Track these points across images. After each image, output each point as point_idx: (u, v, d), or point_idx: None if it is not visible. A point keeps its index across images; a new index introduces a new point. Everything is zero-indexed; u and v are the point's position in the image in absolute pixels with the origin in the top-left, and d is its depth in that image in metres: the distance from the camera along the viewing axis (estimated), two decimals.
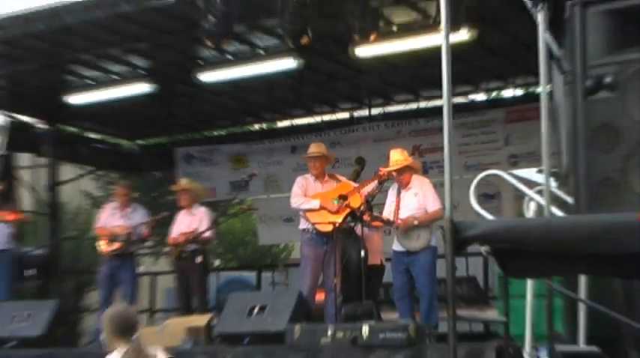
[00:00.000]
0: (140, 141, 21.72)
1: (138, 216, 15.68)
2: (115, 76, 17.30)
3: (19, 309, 14.47)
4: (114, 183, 19.38)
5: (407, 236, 12.50)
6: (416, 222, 12.38)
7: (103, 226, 15.67)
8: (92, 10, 13.90)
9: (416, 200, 12.54)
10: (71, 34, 14.96)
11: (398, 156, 12.78)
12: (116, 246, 15.41)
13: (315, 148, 13.67)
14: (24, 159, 19.96)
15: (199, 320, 13.42)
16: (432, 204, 12.32)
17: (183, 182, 15.80)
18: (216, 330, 12.69)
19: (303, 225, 13.51)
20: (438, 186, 12.55)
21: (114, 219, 15.65)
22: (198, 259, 14.81)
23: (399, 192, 12.75)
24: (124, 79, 17.24)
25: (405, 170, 12.69)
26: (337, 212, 13.04)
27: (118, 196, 16.10)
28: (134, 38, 15.45)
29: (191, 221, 15.00)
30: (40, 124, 19.61)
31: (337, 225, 13.01)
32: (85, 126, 20.75)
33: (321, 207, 13.12)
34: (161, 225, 17.03)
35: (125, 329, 7.29)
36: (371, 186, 13.23)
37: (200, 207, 15.29)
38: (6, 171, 18.54)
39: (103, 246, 15.61)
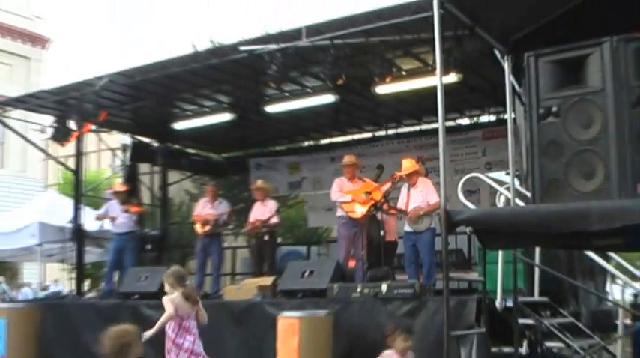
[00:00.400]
0: (224, 154, 21.76)
1: (222, 207, 15.88)
2: (206, 109, 17.35)
3: (141, 273, 14.63)
4: (205, 184, 19.37)
5: (414, 221, 12.61)
6: (421, 212, 12.53)
7: (198, 214, 15.87)
8: (190, 63, 13.98)
9: (421, 195, 12.65)
10: (176, 80, 15.01)
11: (408, 164, 12.97)
12: (207, 228, 15.59)
13: (347, 159, 13.89)
14: (144, 167, 20.04)
15: (267, 280, 13.45)
16: (432, 198, 12.38)
17: (259, 182, 15.87)
18: (278, 288, 12.75)
19: (339, 213, 13.70)
20: (436, 185, 12.60)
21: (205, 209, 15.85)
22: (268, 237, 14.95)
23: (408, 190, 12.90)
24: (213, 111, 17.27)
25: (413, 174, 12.87)
26: (364, 203, 13.16)
27: (208, 193, 16.28)
28: (219, 81, 15.49)
29: (264, 211, 15.13)
30: (155, 143, 19.72)
31: (364, 213, 13.15)
32: (186, 143, 20.80)
33: (352, 200, 13.27)
34: (239, 214, 17.11)
35: (181, 279, 9.05)
36: (387, 185, 13.37)
37: (270, 201, 15.43)
38: (131, 176, 18.71)
39: (198, 228, 15.77)
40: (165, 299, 8.95)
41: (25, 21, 36.34)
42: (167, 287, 9.18)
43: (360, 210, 13.24)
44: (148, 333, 7.99)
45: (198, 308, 8.99)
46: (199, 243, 15.92)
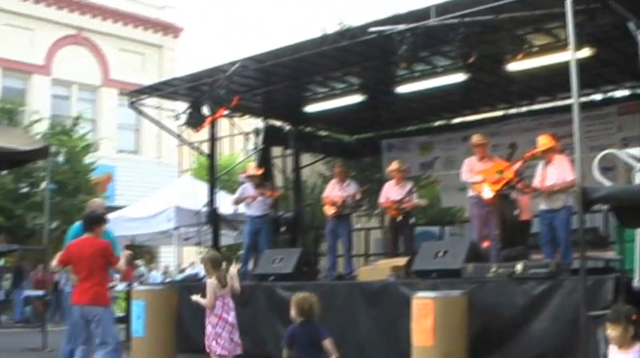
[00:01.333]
0: (355, 136, 21.88)
1: (351, 189, 15.97)
2: (337, 91, 17.48)
3: (276, 255, 14.95)
4: (341, 165, 19.56)
5: (550, 199, 12.43)
6: (557, 189, 12.29)
7: (327, 196, 16.05)
8: (320, 45, 14.14)
9: (557, 173, 12.43)
10: (306, 63, 15.20)
11: (544, 140, 12.81)
12: (335, 209, 15.74)
13: (476, 138, 13.86)
14: (276, 150, 20.36)
15: (400, 261, 13.56)
16: (569, 176, 12.15)
17: (396, 164, 15.88)
18: (412, 268, 12.82)
19: (470, 193, 13.64)
20: (572, 163, 12.44)
21: (334, 191, 15.98)
22: (402, 218, 15.07)
23: (544, 167, 12.70)
24: (343, 92, 17.39)
25: (549, 150, 12.68)
26: (495, 183, 13.09)
27: (337, 174, 16.43)
28: (350, 64, 15.60)
29: (399, 191, 15.22)
30: (287, 126, 20.01)
31: (494, 193, 13.10)
32: (317, 126, 21.01)
33: (483, 180, 13.21)
34: (371, 195, 17.20)
35: (217, 264, 10.18)
36: (519, 164, 13.26)
37: (408, 182, 15.52)
38: (264, 160, 19.03)
39: (327, 209, 15.95)
40: (208, 284, 10.11)
41: (156, 10, 37.27)
42: (205, 272, 10.61)
43: (489, 191, 13.18)
44: (195, 297, 10.26)
45: (232, 286, 10.20)
46: (329, 224, 16.11)
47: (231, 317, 10.01)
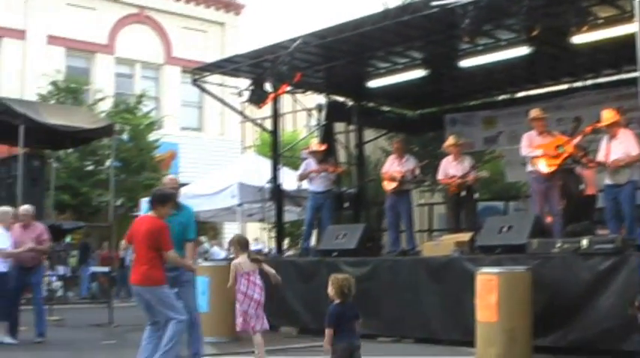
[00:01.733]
0: (418, 111, 21.82)
1: (409, 164, 15.95)
2: (399, 66, 17.43)
3: (339, 230, 15.05)
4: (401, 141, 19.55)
5: (615, 173, 12.29)
6: (622, 163, 12.15)
7: (386, 171, 16.06)
8: (382, 20, 14.14)
9: (621, 147, 12.28)
10: (368, 38, 15.20)
11: (608, 115, 12.63)
12: (394, 185, 15.74)
13: (534, 113, 13.86)
14: (339, 126, 20.38)
15: (464, 236, 13.56)
16: (634, 150, 12.03)
17: (452, 139, 15.87)
18: (476, 243, 12.82)
19: (529, 168, 13.55)
20: (637, 137, 12.31)
21: (393, 166, 15.98)
22: (466, 193, 15.05)
23: (608, 142, 12.54)
24: (406, 67, 17.34)
25: (613, 124, 12.50)
26: (557, 157, 13.01)
27: (395, 150, 16.46)
28: (412, 38, 15.54)
29: (457, 167, 15.20)
30: (349, 102, 20.02)
31: (555, 166, 13.03)
32: (380, 101, 20.98)
33: (543, 155, 13.13)
34: (434, 170, 17.16)
35: (243, 245, 10.50)
36: (578, 138, 13.14)
37: (466, 157, 15.47)
38: (327, 136, 19.07)
39: (386, 185, 15.97)
40: (231, 266, 10.47)
41: None
42: (233, 253, 10.94)
43: (546, 166, 13.09)
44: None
45: (263, 267, 10.50)
46: (388, 200, 16.13)
47: (257, 294, 10.20)
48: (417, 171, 16.03)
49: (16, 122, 16.37)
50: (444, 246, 13.55)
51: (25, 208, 13.94)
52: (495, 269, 10.68)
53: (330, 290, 8.52)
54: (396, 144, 16.77)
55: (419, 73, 17.08)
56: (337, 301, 8.45)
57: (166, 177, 11.81)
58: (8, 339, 13.08)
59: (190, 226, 10.02)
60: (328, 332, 8.21)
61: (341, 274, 9.01)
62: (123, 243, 9.52)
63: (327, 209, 16.68)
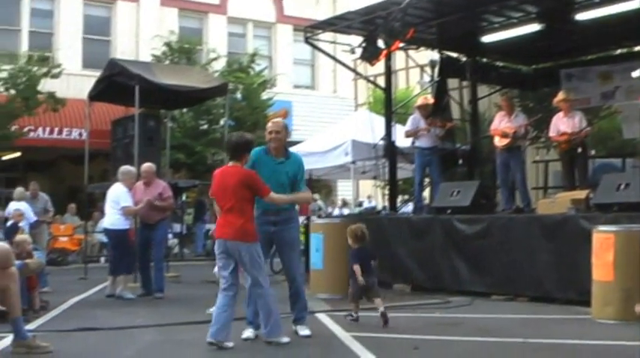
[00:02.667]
0: (533, 66, 21.49)
1: (519, 120, 15.79)
2: (513, 20, 17.22)
3: (453, 187, 15.10)
4: (515, 97, 19.37)
5: None
6: None
7: (495, 128, 15.91)
8: None
9: None
10: None
11: None
12: (505, 141, 15.60)
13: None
14: (452, 82, 20.25)
15: (580, 194, 13.40)
16: None
17: (562, 94, 15.64)
18: (592, 201, 12.66)
19: None
20: None
21: (503, 123, 15.84)
22: (580, 149, 14.83)
23: None
24: (520, 21, 17.13)
25: None
26: None
27: (504, 106, 16.27)
28: None
29: (568, 123, 15.00)
30: (462, 57, 19.86)
31: None
32: (493, 57, 20.72)
33: None
34: (548, 126, 16.93)
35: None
36: None
37: (577, 112, 15.23)
38: (440, 92, 18.98)
39: (497, 142, 15.85)
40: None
41: None
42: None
43: None
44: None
45: None
46: (499, 157, 16.00)
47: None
48: (528, 127, 15.88)
49: (132, 83, 16.75)
50: (559, 203, 13.42)
51: (148, 165, 14.21)
52: (612, 228, 10.57)
53: (349, 240, 10.54)
54: (504, 100, 16.57)
55: (533, 27, 16.86)
56: (355, 246, 10.43)
57: (272, 119, 11.28)
58: (129, 294, 13.54)
59: (300, 177, 9.31)
60: (356, 268, 10.14)
61: (355, 224, 10.88)
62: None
63: (436, 166, 16.69)
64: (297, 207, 9.82)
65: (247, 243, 8.43)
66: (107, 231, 14.14)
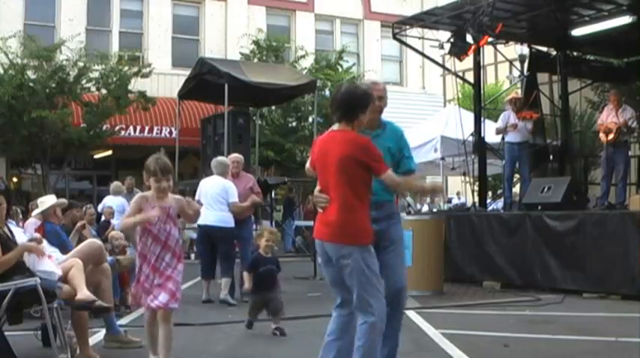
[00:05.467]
0: (625, 59, 21.12)
1: (627, 114, 15.52)
2: (604, 12, 16.98)
3: (544, 183, 14.97)
4: (607, 91, 19.03)
5: None
6: None
7: (602, 123, 15.66)
8: None
9: None
10: None
11: None
12: (611, 136, 15.35)
13: None
14: (542, 77, 20.04)
15: None
16: None
17: None
18: None
19: None
20: None
21: (609, 117, 15.58)
22: None
23: None
24: (611, 14, 16.89)
25: None
26: None
27: (612, 100, 15.98)
28: None
29: None
30: (552, 51, 19.63)
31: None
32: (585, 50, 20.42)
33: None
34: None
35: None
36: None
37: None
38: (530, 86, 18.81)
39: (602, 137, 15.61)
40: None
41: None
42: None
43: None
44: None
45: None
46: (604, 152, 15.77)
47: None
48: (633, 122, 15.61)
49: (221, 81, 16.98)
50: None
51: (237, 156, 13.51)
52: None
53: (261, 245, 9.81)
54: (613, 95, 16.30)
55: (624, 20, 16.66)
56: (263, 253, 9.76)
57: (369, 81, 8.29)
58: (232, 299, 12.24)
59: (407, 151, 6.82)
60: (245, 276, 9.72)
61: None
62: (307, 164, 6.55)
63: (526, 161, 16.54)
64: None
65: (354, 246, 5.74)
66: (212, 230, 12.35)
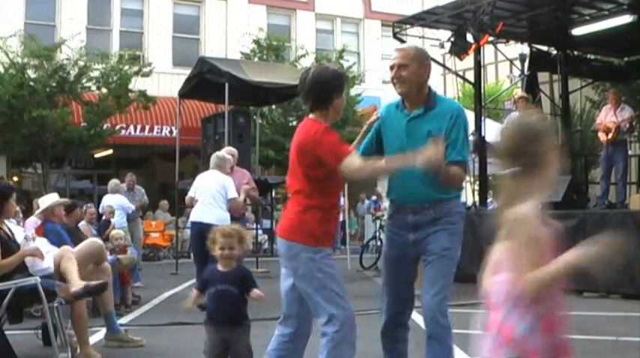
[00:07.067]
0: (626, 58, 21.11)
1: (625, 113, 15.55)
2: (604, 12, 16.96)
3: None
4: (607, 90, 19.00)
5: None
6: None
7: (601, 122, 15.69)
8: None
9: None
10: None
11: None
12: (610, 136, 15.38)
13: None
14: (542, 76, 20.04)
15: None
16: None
17: None
18: None
19: None
20: None
21: (608, 116, 15.60)
22: None
23: None
24: (612, 13, 16.87)
25: None
26: None
27: (611, 100, 16.01)
28: None
29: None
30: (553, 51, 19.63)
31: None
32: (585, 49, 20.41)
33: None
34: None
35: None
36: None
37: None
38: (531, 86, 18.83)
39: (601, 136, 15.63)
40: None
41: None
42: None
43: None
44: None
45: None
46: (603, 151, 15.79)
47: None
48: (633, 121, 15.62)
49: (221, 80, 16.95)
50: None
51: (229, 148, 13.17)
52: None
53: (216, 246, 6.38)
54: (612, 94, 16.35)
55: (625, 19, 16.64)
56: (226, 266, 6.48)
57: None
58: None
59: (456, 135, 5.54)
60: (194, 293, 6.53)
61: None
62: None
63: None
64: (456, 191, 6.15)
65: (302, 245, 5.16)
66: (211, 228, 11.38)
